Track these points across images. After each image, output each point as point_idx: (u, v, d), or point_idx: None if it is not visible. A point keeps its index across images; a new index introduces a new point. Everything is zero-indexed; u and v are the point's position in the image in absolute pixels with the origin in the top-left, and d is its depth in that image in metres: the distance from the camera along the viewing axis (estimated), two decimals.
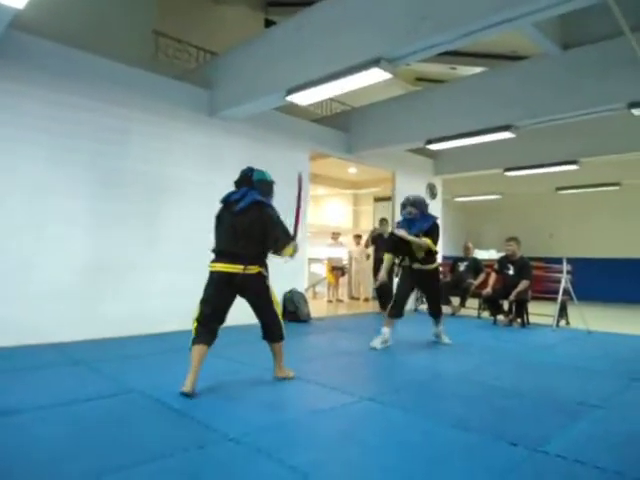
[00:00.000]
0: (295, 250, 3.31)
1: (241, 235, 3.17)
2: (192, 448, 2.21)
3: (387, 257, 5.13)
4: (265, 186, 3.37)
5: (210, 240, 3.36)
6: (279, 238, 3.21)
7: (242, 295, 3.29)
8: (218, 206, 3.41)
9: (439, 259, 6.39)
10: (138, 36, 7.35)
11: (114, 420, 2.61)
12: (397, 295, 5.00)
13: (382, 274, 5.17)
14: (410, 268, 4.95)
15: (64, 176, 4.84)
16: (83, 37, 5.65)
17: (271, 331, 3.38)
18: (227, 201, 3.32)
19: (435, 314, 5.20)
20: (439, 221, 5.04)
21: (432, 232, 4.84)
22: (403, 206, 4.91)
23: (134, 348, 4.55)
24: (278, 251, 3.24)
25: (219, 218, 3.35)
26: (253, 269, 3.17)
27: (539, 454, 2.24)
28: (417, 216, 4.82)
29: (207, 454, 2.16)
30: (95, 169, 5.06)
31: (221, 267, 3.16)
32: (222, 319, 3.24)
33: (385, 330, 4.88)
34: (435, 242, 4.86)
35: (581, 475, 2.04)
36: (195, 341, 3.13)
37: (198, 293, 3.28)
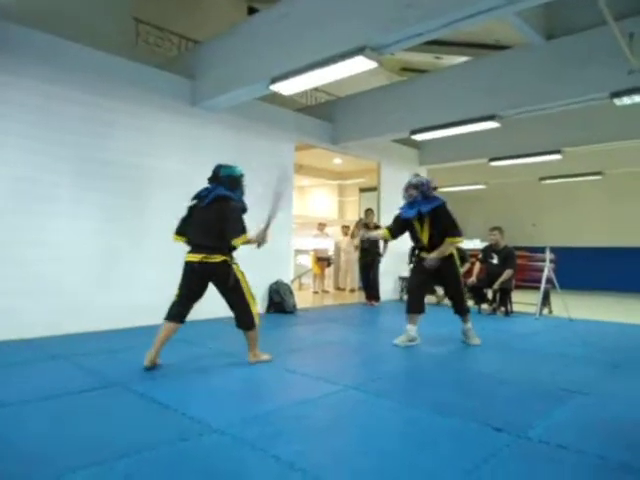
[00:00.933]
0: (260, 241, 3.55)
1: (206, 228, 3.42)
2: (176, 440, 2.19)
3: (384, 231, 4.73)
4: (232, 181, 3.56)
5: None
6: (226, 231, 3.39)
7: (213, 284, 3.50)
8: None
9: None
10: (117, 22, 7.18)
11: (98, 414, 2.58)
12: (409, 288, 4.81)
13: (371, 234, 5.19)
14: (420, 257, 4.58)
15: (47, 167, 4.73)
16: (59, 22, 5.51)
17: (242, 319, 3.56)
18: (198, 197, 3.57)
19: (459, 311, 4.69)
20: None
21: (438, 217, 4.36)
22: (405, 190, 4.52)
23: (119, 341, 4.49)
24: (230, 242, 3.41)
25: (191, 211, 3.56)
26: (217, 258, 3.39)
27: (522, 439, 2.26)
28: (417, 198, 4.40)
29: (191, 446, 2.14)
30: (78, 161, 4.95)
31: (190, 257, 3.45)
32: (196, 298, 3.54)
33: (409, 327, 4.57)
34: (451, 229, 4.35)
35: (564, 460, 2.07)
36: (167, 316, 3.45)
37: None
